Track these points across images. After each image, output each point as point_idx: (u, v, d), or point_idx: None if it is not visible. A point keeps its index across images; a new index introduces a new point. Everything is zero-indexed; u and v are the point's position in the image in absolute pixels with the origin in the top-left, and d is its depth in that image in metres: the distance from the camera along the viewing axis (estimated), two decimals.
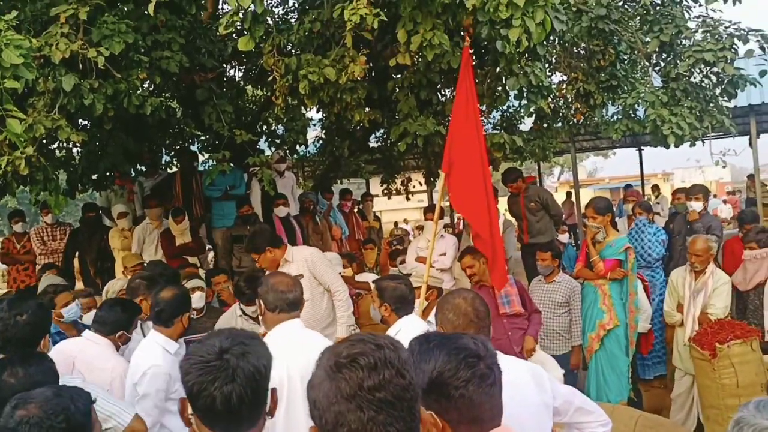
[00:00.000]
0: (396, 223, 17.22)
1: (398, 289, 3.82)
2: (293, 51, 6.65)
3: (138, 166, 9.15)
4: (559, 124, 9.69)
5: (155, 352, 3.69)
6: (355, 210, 10.98)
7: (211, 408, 1.76)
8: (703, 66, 6.64)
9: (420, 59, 5.96)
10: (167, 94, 7.85)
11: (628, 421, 4.58)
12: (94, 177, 8.07)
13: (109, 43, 5.27)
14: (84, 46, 5.20)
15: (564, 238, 10.07)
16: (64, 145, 7.59)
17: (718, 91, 6.99)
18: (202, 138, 9.00)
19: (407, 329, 3.65)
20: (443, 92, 7.71)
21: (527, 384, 2.58)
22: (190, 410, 1.82)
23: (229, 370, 1.77)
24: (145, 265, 6.88)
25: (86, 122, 7.17)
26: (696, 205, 6.93)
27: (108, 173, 8.10)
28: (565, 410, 2.67)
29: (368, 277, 6.77)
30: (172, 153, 9.70)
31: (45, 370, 2.91)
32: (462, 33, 6.12)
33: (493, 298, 5.44)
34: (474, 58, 6.84)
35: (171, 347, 3.78)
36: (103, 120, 5.84)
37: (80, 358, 3.68)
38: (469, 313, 2.76)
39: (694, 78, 6.97)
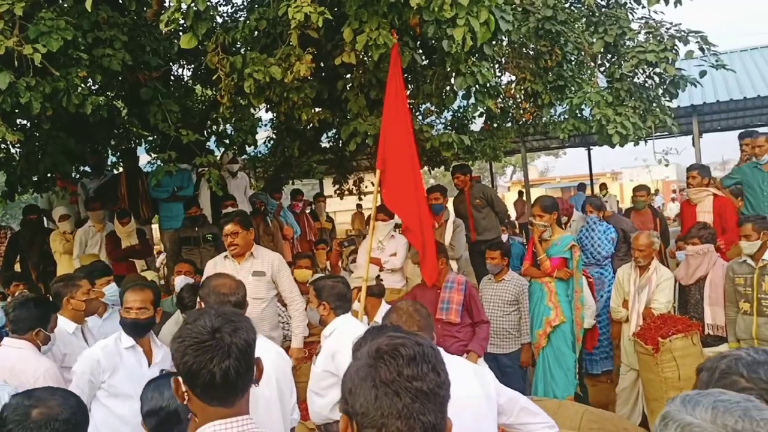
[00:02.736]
0: (358, 206, 16.61)
1: (336, 287, 3.82)
2: (240, 49, 6.56)
3: (81, 167, 8.91)
4: (509, 124, 9.80)
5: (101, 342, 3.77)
6: (307, 211, 10.92)
7: (210, 384, 1.86)
8: (646, 66, 6.79)
9: (368, 59, 5.94)
10: (111, 93, 7.66)
11: (574, 416, 4.65)
12: (35, 178, 7.82)
13: (47, 40, 5.11)
14: (20, 43, 5.02)
15: (504, 237, 10.11)
16: (3, 146, 7.36)
17: (660, 91, 7.16)
18: (149, 138, 8.82)
19: (342, 329, 3.64)
20: None
21: (471, 381, 2.63)
22: (183, 387, 1.92)
23: (224, 347, 1.88)
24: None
25: (24, 122, 6.94)
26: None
27: (49, 174, 7.86)
28: (509, 409, 2.70)
29: None
30: (118, 154, 9.48)
31: None
32: (411, 33, 6.13)
33: (436, 301, 5.48)
34: (423, 57, 6.86)
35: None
36: (41, 119, 5.67)
37: (1, 366, 3.57)
38: (411, 313, 2.80)
39: (638, 78, 7.13)
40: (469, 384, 2.62)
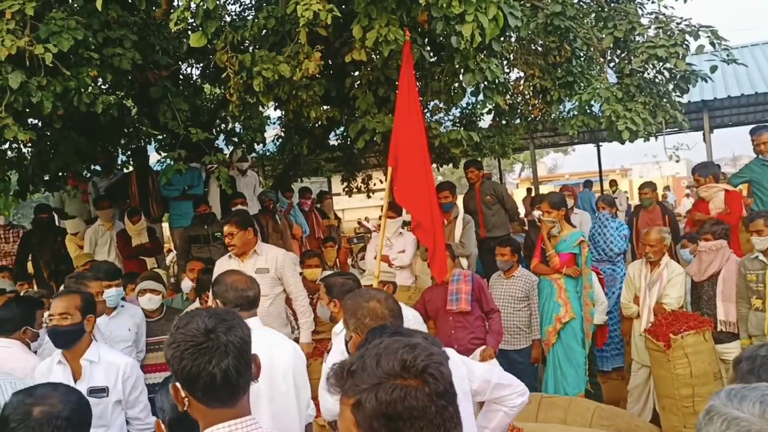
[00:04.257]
0: (360, 222, 17.01)
1: (347, 284, 3.82)
2: (249, 48, 6.58)
3: (92, 166, 8.95)
4: (518, 121, 9.78)
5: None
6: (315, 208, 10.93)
7: (212, 386, 1.84)
8: (656, 62, 6.75)
9: (377, 56, 5.94)
10: (121, 93, 7.69)
11: (585, 413, 4.65)
12: (46, 177, 7.86)
13: (58, 39, 5.13)
14: (31, 43, 5.05)
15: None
16: (15, 145, 7.40)
17: (670, 86, 7.12)
18: (159, 137, 8.86)
19: None
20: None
21: None
22: (183, 393, 1.88)
23: (221, 347, 1.86)
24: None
25: (36, 121, 6.99)
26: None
27: (60, 173, 7.91)
28: (483, 390, 2.76)
29: None
30: (128, 152, 9.52)
31: None
32: (419, 29, 6.13)
33: (446, 294, 5.49)
34: (431, 54, 6.85)
35: None
36: (52, 119, 5.70)
37: None
38: (385, 316, 2.76)
39: (648, 74, 7.09)
40: None
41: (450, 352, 2.82)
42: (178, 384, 1.90)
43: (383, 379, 1.34)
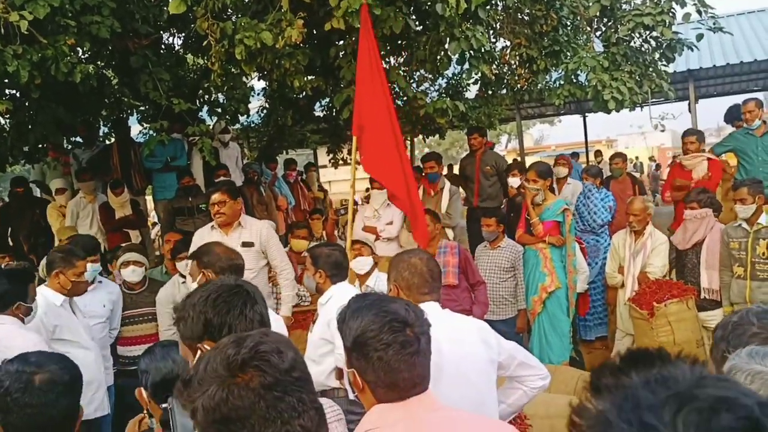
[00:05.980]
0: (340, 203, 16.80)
1: (333, 255, 3.79)
2: (230, 15, 6.45)
3: (73, 138, 8.81)
4: (504, 91, 9.72)
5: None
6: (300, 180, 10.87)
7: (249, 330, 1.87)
8: (642, 30, 6.72)
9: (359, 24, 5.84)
10: (101, 62, 7.54)
11: (569, 380, 4.69)
12: (26, 149, 7.73)
13: (33, 6, 5.00)
14: (5, 10, 4.92)
15: None
16: None
17: (657, 55, 7.08)
18: (141, 108, 8.72)
19: (338, 296, 3.63)
20: (387, 59, 7.61)
21: (475, 342, 2.65)
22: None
23: (251, 293, 2.05)
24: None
25: (13, 91, 6.85)
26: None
27: (40, 145, 7.77)
28: (508, 364, 2.73)
29: None
30: (110, 124, 9.38)
31: None
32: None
33: None
34: (416, 23, 6.76)
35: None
36: (30, 88, 5.58)
37: None
38: (424, 273, 2.79)
39: (634, 42, 7.06)
40: (475, 346, 2.64)
41: (481, 322, 2.82)
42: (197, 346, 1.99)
43: (210, 384, 1.27)
